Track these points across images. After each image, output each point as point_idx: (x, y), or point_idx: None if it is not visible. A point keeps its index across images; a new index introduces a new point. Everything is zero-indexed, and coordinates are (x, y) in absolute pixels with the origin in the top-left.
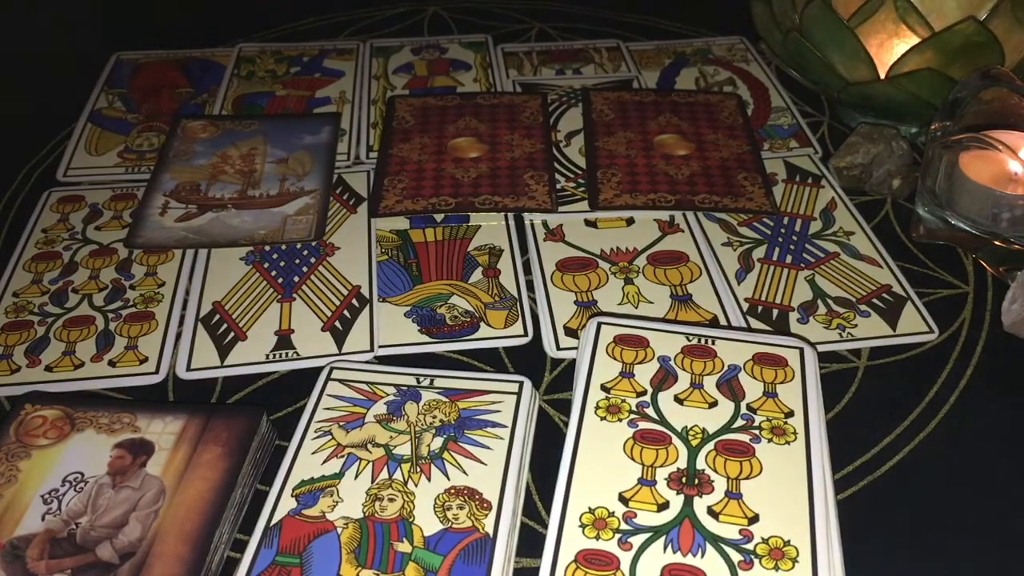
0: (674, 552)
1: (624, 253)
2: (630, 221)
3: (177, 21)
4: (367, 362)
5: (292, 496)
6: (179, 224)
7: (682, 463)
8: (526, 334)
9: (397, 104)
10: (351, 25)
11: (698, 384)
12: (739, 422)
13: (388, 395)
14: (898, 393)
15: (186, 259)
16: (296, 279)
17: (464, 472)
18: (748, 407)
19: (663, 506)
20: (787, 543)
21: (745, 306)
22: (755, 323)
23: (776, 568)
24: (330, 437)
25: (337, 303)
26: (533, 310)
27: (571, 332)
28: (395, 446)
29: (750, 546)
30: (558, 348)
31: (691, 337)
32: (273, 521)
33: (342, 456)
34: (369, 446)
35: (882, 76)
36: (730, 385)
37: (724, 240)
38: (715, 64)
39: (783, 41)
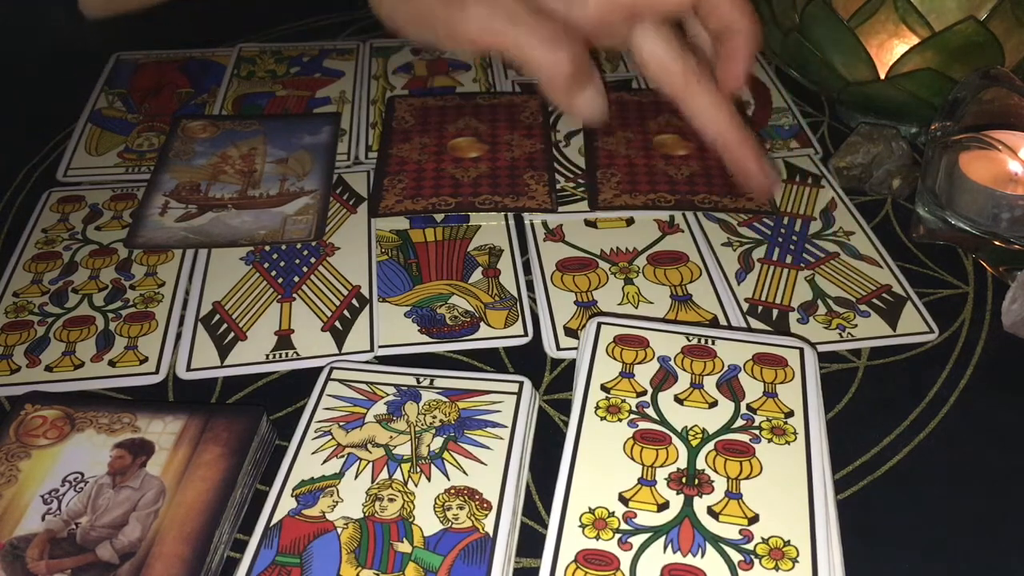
0: (674, 552)
1: (624, 253)
2: (630, 221)
3: (177, 21)
4: (367, 362)
5: (292, 496)
6: (179, 224)
7: (682, 463)
8: (526, 334)
9: (397, 104)
10: (351, 25)
11: (698, 384)
12: (739, 422)
13: (388, 395)
14: (898, 393)
15: (186, 259)
16: (296, 279)
17: (464, 472)
18: (748, 407)
19: (663, 506)
20: (787, 543)
21: (745, 306)
22: (755, 323)
23: (776, 568)
24: (330, 437)
25: (337, 303)
26: (533, 310)
27: (571, 332)
28: (395, 446)
29: (750, 546)
30: (558, 348)
31: (691, 337)
32: (273, 521)
33: (342, 456)
34: (369, 446)
35: (882, 76)
36: (730, 385)
37: (724, 240)
38: None
39: (783, 41)
